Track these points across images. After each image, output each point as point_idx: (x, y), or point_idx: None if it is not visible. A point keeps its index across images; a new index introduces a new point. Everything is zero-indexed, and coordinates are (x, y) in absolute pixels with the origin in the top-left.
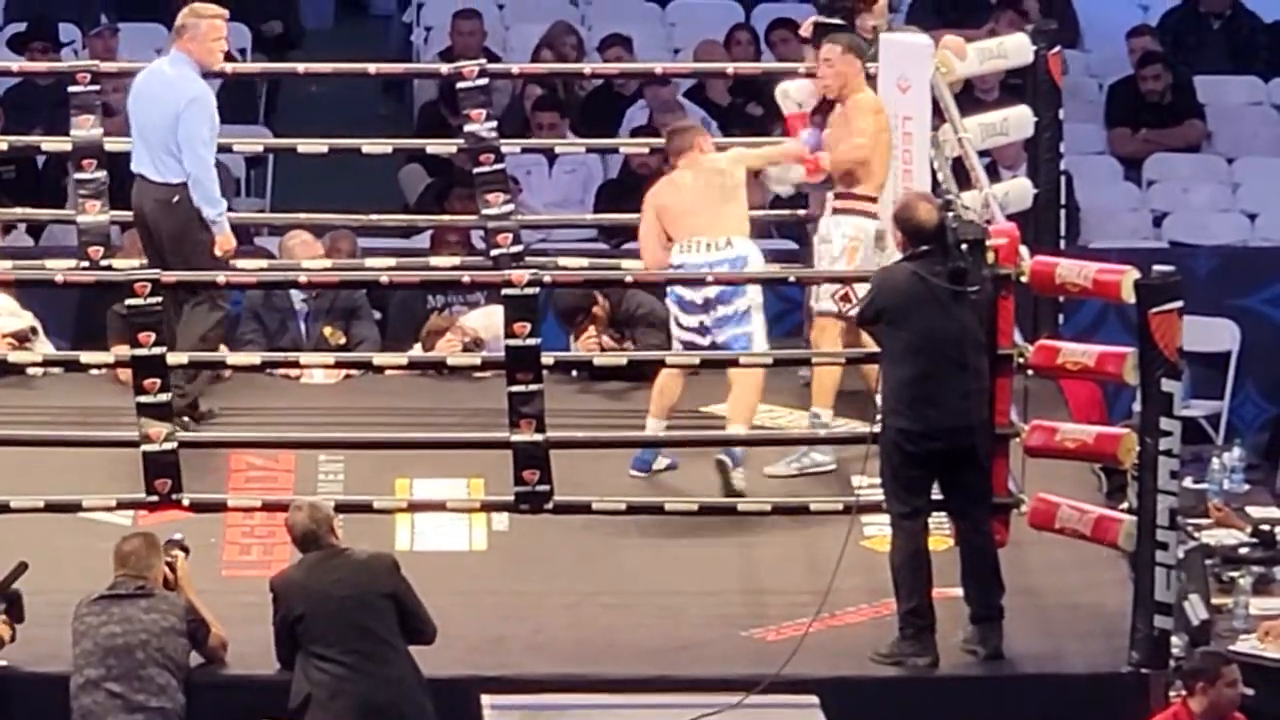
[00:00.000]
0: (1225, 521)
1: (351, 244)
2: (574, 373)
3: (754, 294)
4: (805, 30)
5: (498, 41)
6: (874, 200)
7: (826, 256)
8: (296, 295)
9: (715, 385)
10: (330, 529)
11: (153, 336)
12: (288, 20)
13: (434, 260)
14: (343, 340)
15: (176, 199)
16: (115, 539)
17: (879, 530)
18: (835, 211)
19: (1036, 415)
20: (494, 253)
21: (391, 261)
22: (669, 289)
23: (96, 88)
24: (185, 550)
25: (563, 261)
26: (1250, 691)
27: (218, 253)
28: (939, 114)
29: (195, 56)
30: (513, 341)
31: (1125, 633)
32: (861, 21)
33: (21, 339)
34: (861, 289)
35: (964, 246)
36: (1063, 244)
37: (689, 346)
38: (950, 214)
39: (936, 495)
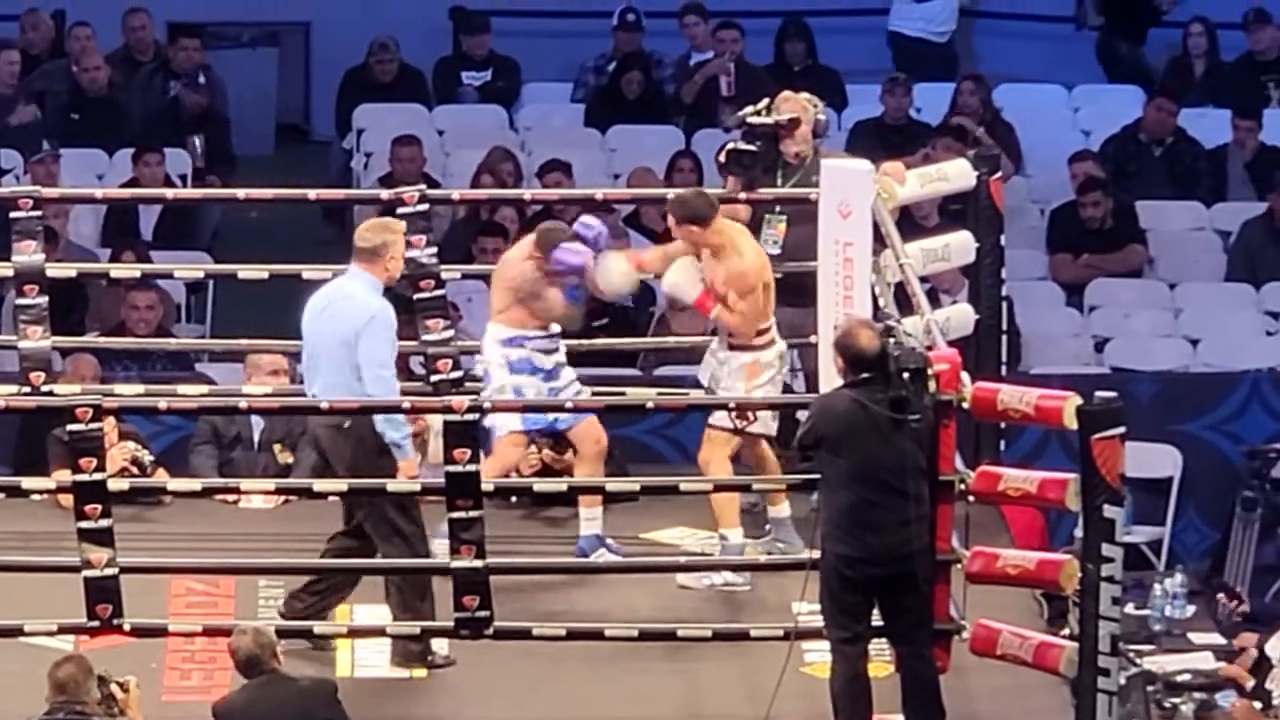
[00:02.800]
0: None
1: (291, 369)
2: (514, 499)
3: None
4: (722, 156)
5: (437, 167)
6: (764, 333)
7: (724, 376)
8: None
9: (659, 511)
10: (274, 654)
11: (94, 462)
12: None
13: None
14: (289, 460)
15: (348, 423)
16: None
17: (819, 656)
18: (745, 349)
19: (978, 541)
20: (434, 378)
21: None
22: (517, 361)
23: (38, 213)
24: (121, 684)
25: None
26: None
27: (400, 478)
28: (880, 239)
29: (383, 276)
30: (453, 468)
31: None
32: (785, 147)
33: None
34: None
35: (905, 375)
36: (1004, 370)
37: None
38: (892, 341)
39: (877, 621)
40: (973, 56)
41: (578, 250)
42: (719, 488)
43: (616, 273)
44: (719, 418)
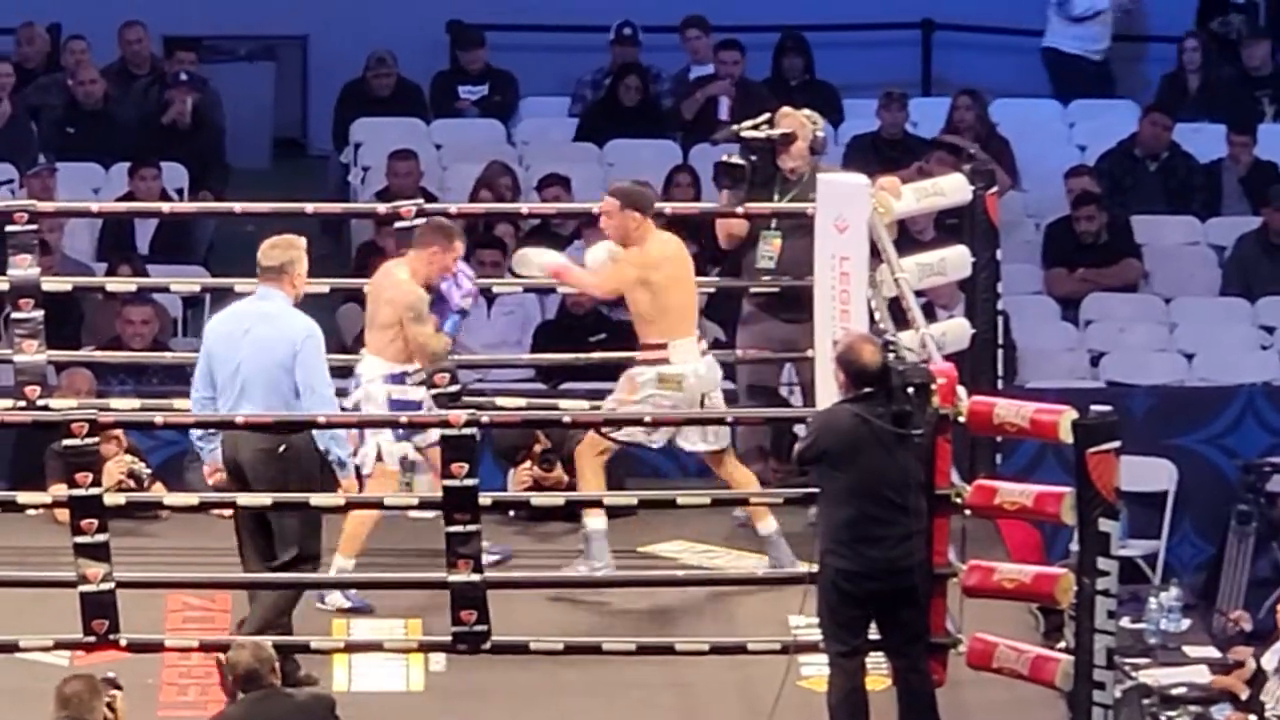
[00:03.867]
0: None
1: None
2: (511, 513)
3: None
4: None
5: (435, 181)
6: (664, 347)
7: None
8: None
9: (656, 524)
10: (272, 669)
11: (89, 477)
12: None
13: None
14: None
15: (284, 447)
16: (52, 679)
17: (817, 670)
18: (635, 362)
19: (974, 555)
20: (431, 393)
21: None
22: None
23: (34, 227)
24: (119, 688)
25: (500, 402)
26: None
27: (341, 495)
28: (876, 254)
29: (290, 294)
30: (450, 482)
31: None
32: (781, 162)
33: None
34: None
35: (910, 390)
36: (1000, 384)
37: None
38: (894, 356)
39: (874, 635)
40: (963, 70)
41: (466, 292)
42: (716, 502)
43: (534, 265)
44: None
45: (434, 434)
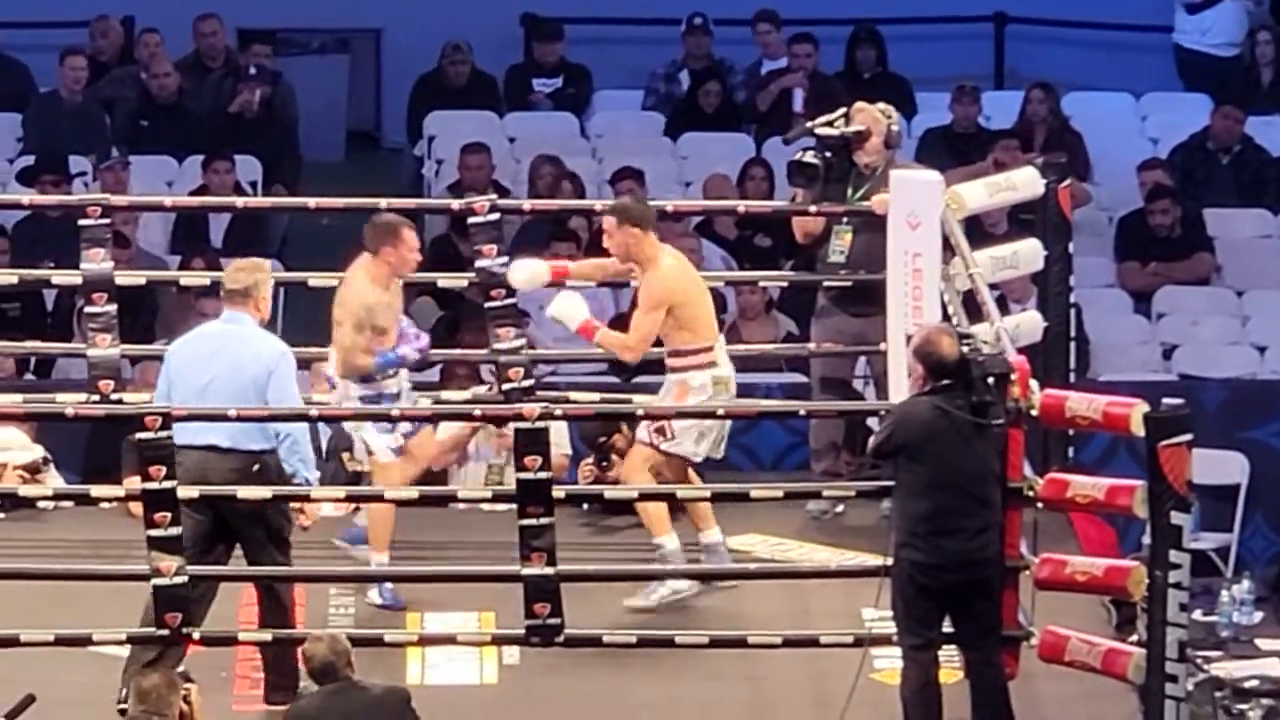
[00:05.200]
0: None
1: None
2: (585, 506)
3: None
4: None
5: (508, 174)
6: (710, 350)
7: (659, 396)
8: None
9: (730, 517)
10: (348, 662)
11: (163, 470)
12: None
13: (444, 394)
14: (358, 468)
15: (257, 468)
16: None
17: (889, 663)
18: (676, 370)
19: (1046, 548)
20: (505, 386)
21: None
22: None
23: (107, 221)
24: (192, 681)
25: (573, 395)
26: None
27: (305, 522)
28: (949, 248)
29: (256, 317)
30: (524, 475)
31: None
32: (856, 158)
33: (33, 470)
34: (679, 425)
35: (989, 381)
36: (1073, 377)
37: None
38: (969, 348)
39: (947, 628)
40: (1036, 63)
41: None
42: (788, 495)
43: (524, 275)
44: (642, 432)
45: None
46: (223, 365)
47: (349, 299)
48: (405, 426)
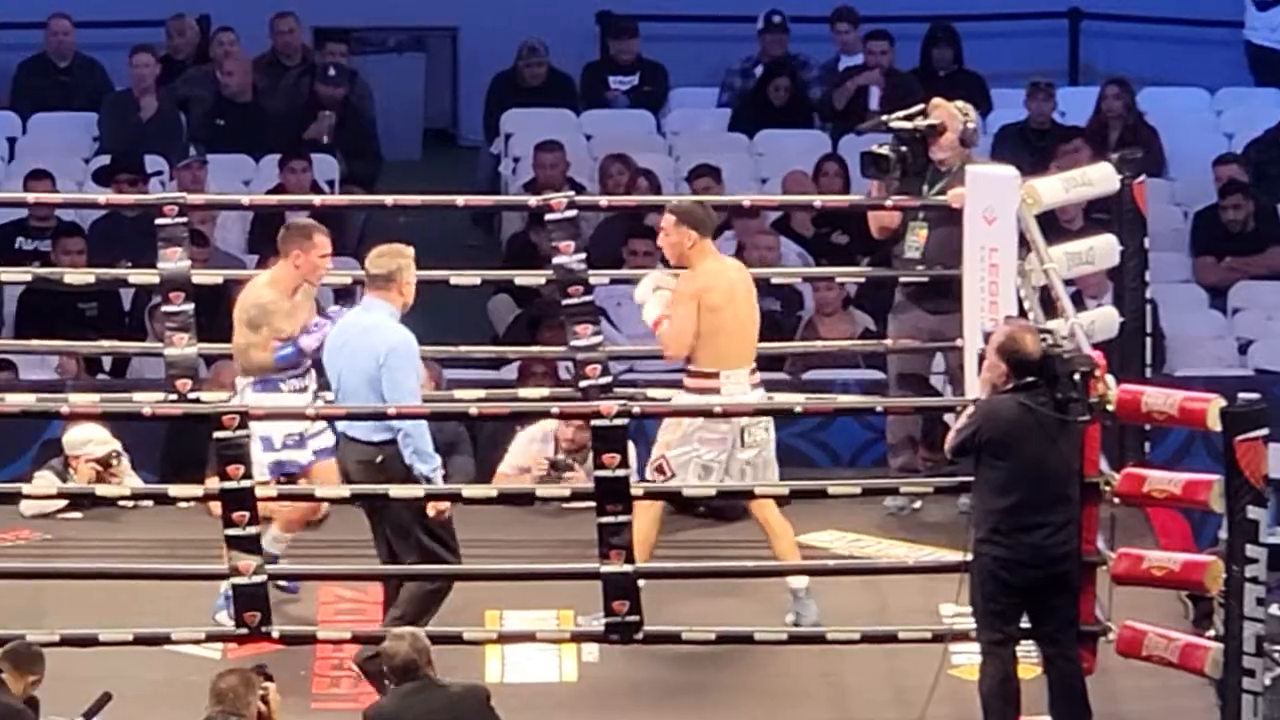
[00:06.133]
0: None
1: (437, 375)
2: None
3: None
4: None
5: (585, 173)
6: (715, 376)
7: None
8: None
9: (808, 514)
10: (429, 660)
11: (241, 469)
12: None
13: (522, 392)
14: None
15: (381, 459)
16: (204, 672)
17: (967, 659)
18: (683, 389)
19: (1123, 543)
20: (582, 384)
21: (481, 393)
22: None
23: (184, 220)
24: (270, 679)
25: (651, 392)
26: None
27: (430, 513)
28: (1025, 244)
29: (398, 303)
30: (602, 473)
31: None
32: (931, 154)
33: (105, 464)
34: (676, 461)
35: (1075, 377)
36: (1149, 372)
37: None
38: (1052, 344)
39: (1025, 623)
40: (1111, 59)
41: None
42: (866, 491)
43: (646, 299)
44: (648, 472)
45: (310, 454)
46: (347, 357)
47: (243, 299)
48: (298, 455)
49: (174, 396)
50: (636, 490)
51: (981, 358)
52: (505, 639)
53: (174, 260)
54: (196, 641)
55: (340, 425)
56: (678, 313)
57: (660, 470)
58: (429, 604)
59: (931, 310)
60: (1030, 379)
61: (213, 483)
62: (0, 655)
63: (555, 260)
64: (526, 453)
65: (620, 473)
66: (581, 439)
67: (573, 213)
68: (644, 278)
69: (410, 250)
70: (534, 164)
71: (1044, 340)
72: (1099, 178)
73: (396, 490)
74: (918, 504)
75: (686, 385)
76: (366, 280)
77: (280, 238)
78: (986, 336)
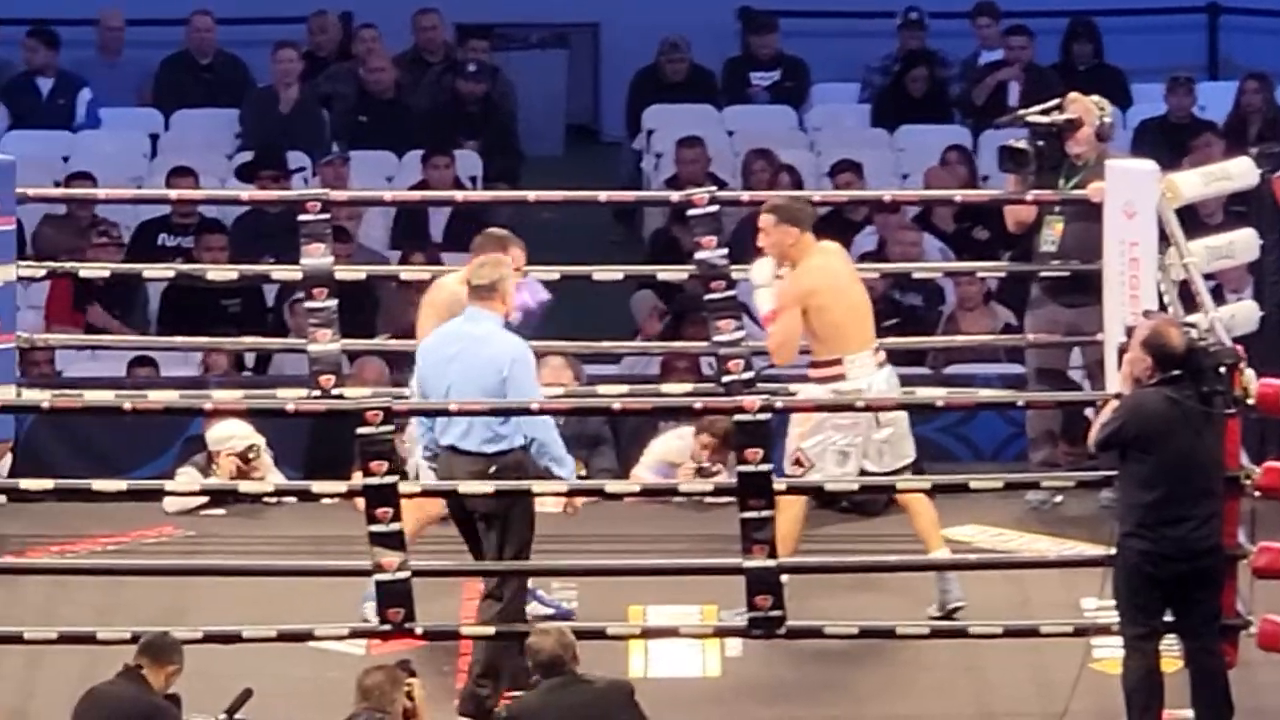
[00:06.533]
0: None
1: (578, 370)
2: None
3: None
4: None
5: (728, 168)
6: (839, 363)
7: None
8: None
9: (951, 508)
10: (574, 655)
11: (385, 465)
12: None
13: (665, 387)
14: (582, 471)
15: (494, 469)
16: (347, 669)
17: (1109, 653)
18: (808, 380)
19: (1265, 537)
20: (725, 379)
21: (623, 389)
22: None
23: (327, 216)
24: (414, 675)
25: (794, 387)
26: None
27: (570, 511)
28: (1165, 238)
29: (501, 312)
30: (745, 468)
31: None
32: (1068, 148)
33: (245, 458)
34: (813, 451)
35: (1220, 370)
36: None
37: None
38: (1197, 338)
39: (1167, 617)
40: (1250, 53)
41: (536, 293)
42: (1008, 485)
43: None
44: (788, 467)
45: None
46: (462, 368)
47: (445, 299)
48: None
49: (317, 393)
50: (779, 485)
51: (1123, 352)
52: (649, 634)
53: (317, 256)
54: (339, 638)
55: (447, 438)
56: (783, 320)
57: (798, 463)
58: (521, 604)
59: (1068, 305)
60: (1175, 372)
61: (356, 479)
62: (138, 649)
63: (698, 255)
64: (672, 449)
65: (763, 467)
66: (714, 447)
67: (715, 208)
68: (761, 260)
69: (509, 260)
70: (676, 159)
71: (1188, 334)
72: (1238, 172)
73: (540, 486)
74: (1059, 498)
75: (812, 376)
76: (469, 291)
77: (475, 242)
78: (1129, 331)
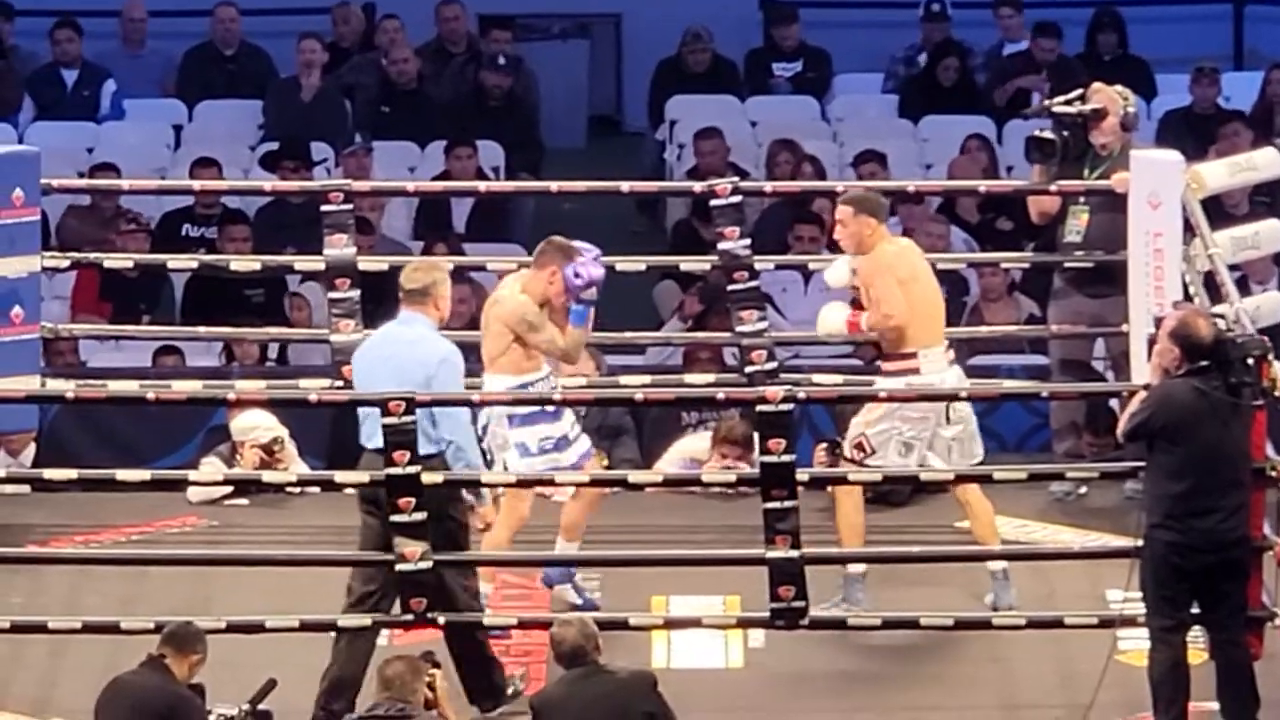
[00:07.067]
0: None
1: (599, 361)
2: (829, 489)
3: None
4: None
5: (750, 159)
6: (914, 357)
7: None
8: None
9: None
10: (596, 646)
11: (407, 455)
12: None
13: (688, 377)
14: (605, 462)
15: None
16: (370, 659)
17: (1134, 644)
18: (881, 374)
19: None
20: (748, 369)
21: (646, 379)
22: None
23: (349, 206)
24: (438, 666)
25: (817, 378)
26: None
27: (478, 525)
28: (1190, 229)
29: (435, 317)
30: (768, 458)
31: None
32: (1092, 138)
33: (269, 450)
34: (877, 439)
35: (1249, 361)
36: None
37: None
38: (1225, 329)
39: (1194, 609)
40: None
41: (596, 263)
42: (1032, 477)
43: (830, 323)
44: (847, 451)
45: (575, 456)
46: (391, 370)
47: (509, 311)
48: (562, 458)
49: (340, 383)
50: (802, 476)
51: (1151, 343)
52: (671, 624)
53: (340, 247)
54: (363, 628)
55: (369, 441)
56: (880, 285)
57: (860, 447)
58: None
59: (1092, 295)
60: (1203, 363)
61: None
62: (161, 639)
63: (720, 246)
64: (697, 446)
65: (786, 458)
66: (734, 455)
67: (738, 198)
68: (838, 261)
69: (447, 265)
70: (694, 151)
71: (1216, 325)
72: (1264, 162)
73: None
74: (1083, 489)
75: (885, 369)
76: (402, 295)
77: (540, 250)
78: (1158, 322)
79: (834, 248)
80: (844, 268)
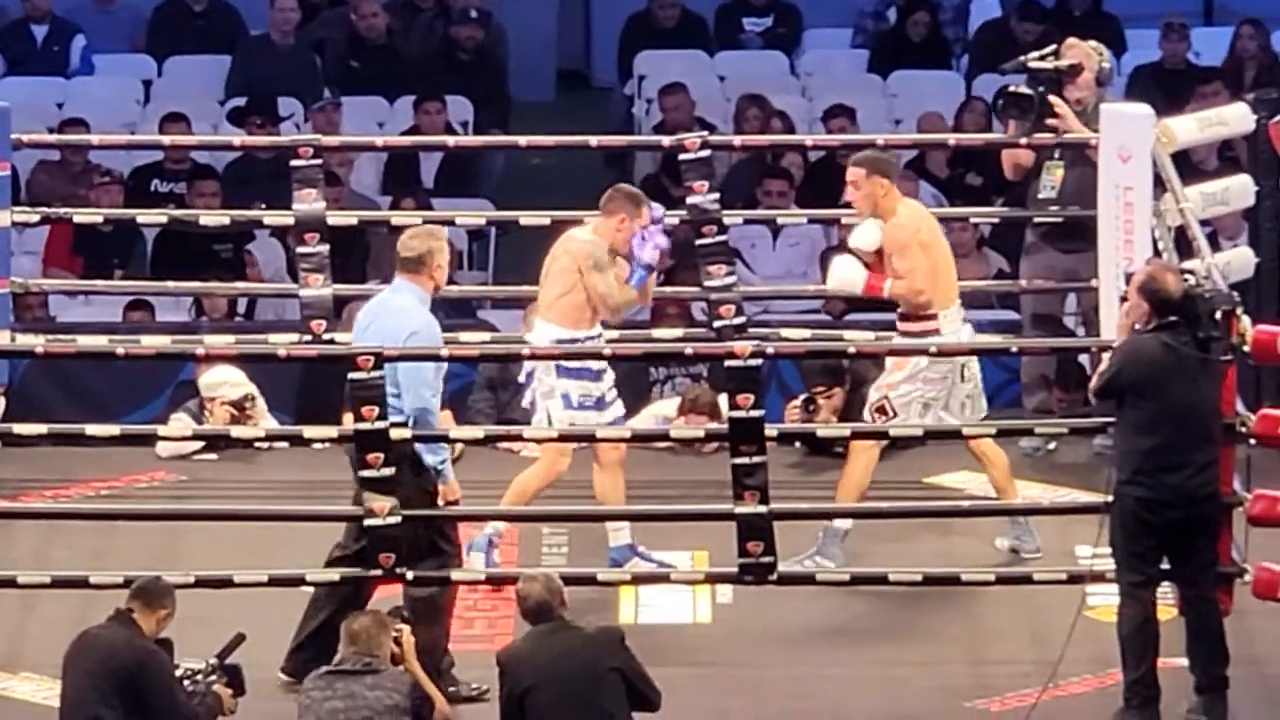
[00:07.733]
0: None
1: None
2: (797, 444)
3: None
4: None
5: (719, 114)
6: (934, 318)
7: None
8: (529, 367)
9: (942, 455)
10: (562, 601)
11: (375, 410)
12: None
13: (656, 332)
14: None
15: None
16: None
17: (1103, 600)
18: (901, 334)
19: (1259, 485)
20: (716, 324)
21: (614, 334)
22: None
23: (319, 161)
24: (407, 622)
25: (785, 333)
26: None
27: (440, 502)
28: (1160, 184)
29: (428, 286)
30: (737, 414)
31: None
32: (1067, 94)
33: (239, 406)
34: (898, 401)
35: (1217, 315)
36: None
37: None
38: (1194, 283)
39: (1163, 565)
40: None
41: (655, 246)
42: (1001, 432)
43: (846, 280)
44: (867, 415)
45: (610, 418)
46: (373, 335)
47: (579, 246)
48: (593, 419)
49: (309, 338)
50: (770, 431)
51: (1122, 299)
52: (639, 580)
53: (309, 202)
54: (331, 584)
55: None
56: (909, 258)
57: (882, 410)
58: (429, 616)
59: (1065, 250)
60: (1172, 318)
61: (347, 422)
62: (130, 594)
63: (689, 200)
64: (668, 405)
65: (754, 414)
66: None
67: (706, 153)
68: (866, 223)
69: (444, 232)
70: (659, 107)
71: (1185, 279)
72: (1234, 117)
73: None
74: (1053, 445)
75: (904, 329)
76: (398, 262)
77: (608, 196)
78: (1128, 277)
79: (802, 203)
80: (874, 230)
